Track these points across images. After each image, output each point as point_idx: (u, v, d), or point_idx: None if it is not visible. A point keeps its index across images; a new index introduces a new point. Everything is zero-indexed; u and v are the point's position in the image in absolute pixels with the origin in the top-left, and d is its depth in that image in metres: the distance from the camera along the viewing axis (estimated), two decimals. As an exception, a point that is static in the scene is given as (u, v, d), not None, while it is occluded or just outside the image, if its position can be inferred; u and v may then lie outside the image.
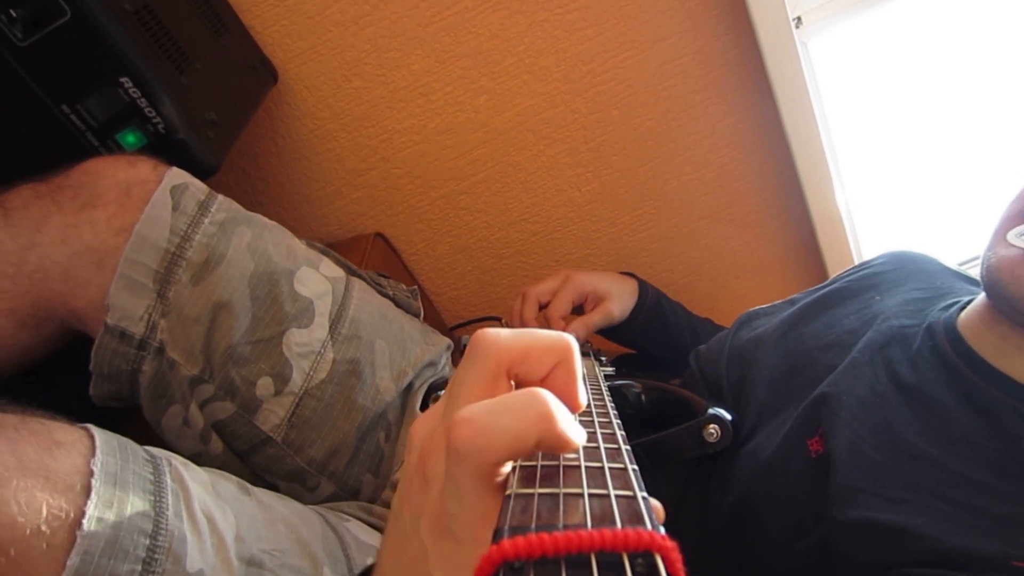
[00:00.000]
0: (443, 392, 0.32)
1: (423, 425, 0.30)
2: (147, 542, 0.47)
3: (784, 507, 0.57)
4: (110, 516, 0.45)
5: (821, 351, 0.67)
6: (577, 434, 0.25)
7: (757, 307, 0.83)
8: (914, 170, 1.30)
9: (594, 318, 0.90)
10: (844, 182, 1.20)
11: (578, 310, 0.94)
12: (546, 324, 0.91)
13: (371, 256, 1.21)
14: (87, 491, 0.45)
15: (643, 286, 0.96)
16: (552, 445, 0.25)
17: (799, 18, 1.10)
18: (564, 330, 0.86)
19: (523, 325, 0.90)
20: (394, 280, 0.93)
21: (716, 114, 1.15)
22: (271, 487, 0.73)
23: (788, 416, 0.63)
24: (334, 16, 1.04)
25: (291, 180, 1.21)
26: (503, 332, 0.29)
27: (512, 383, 0.29)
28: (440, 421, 0.29)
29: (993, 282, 0.55)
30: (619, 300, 0.92)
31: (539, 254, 1.33)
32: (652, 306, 0.94)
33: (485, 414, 0.24)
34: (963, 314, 0.61)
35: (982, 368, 0.56)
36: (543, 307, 0.93)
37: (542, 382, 0.29)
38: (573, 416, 0.27)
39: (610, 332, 0.96)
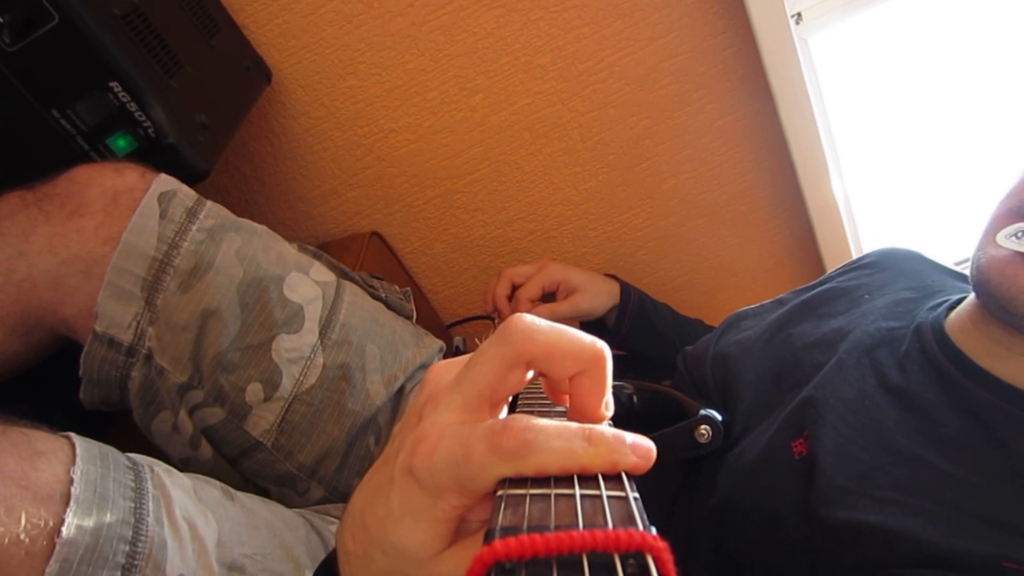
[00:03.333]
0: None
1: (443, 372, 0.32)
2: (127, 548, 0.47)
3: (768, 509, 0.57)
4: (89, 523, 0.45)
5: (807, 350, 0.66)
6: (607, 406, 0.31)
7: (746, 308, 0.82)
8: (914, 166, 1.29)
9: (561, 307, 0.94)
10: (844, 179, 1.19)
11: (550, 298, 0.97)
12: (515, 304, 0.96)
13: (367, 255, 1.21)
14: (67, 499, 0.45)
15: (625, 289, 0.97)
16: (596, 378, 0.30)
17: (799, 14, 1.09)
18: (529, 311, 0.89)
19: (494, 301, 0.96)
20: (387, 282, 0.93)
21: (713, 112, 1.14)
22: (262, 492, 0.74)
23: (774, 420, 0.63)
24: (328, 15, 1.04)
25: (286, 179, 1.21)
26: (539, 325, 0.29)
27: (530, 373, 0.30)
28: (453, 383, 0.30)
29: (983, 282, 0.54)
30: (590, 296, 0.95)
31: (536, 252, 1.33)
32: (635, 309, 0.96)
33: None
34: (952, 314, 0.61)
35: (970, 370, 0.55)
36: (516, 288, 0.96)
37: (570, 382, 0.30)
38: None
39: (599, 335, 0.97)
